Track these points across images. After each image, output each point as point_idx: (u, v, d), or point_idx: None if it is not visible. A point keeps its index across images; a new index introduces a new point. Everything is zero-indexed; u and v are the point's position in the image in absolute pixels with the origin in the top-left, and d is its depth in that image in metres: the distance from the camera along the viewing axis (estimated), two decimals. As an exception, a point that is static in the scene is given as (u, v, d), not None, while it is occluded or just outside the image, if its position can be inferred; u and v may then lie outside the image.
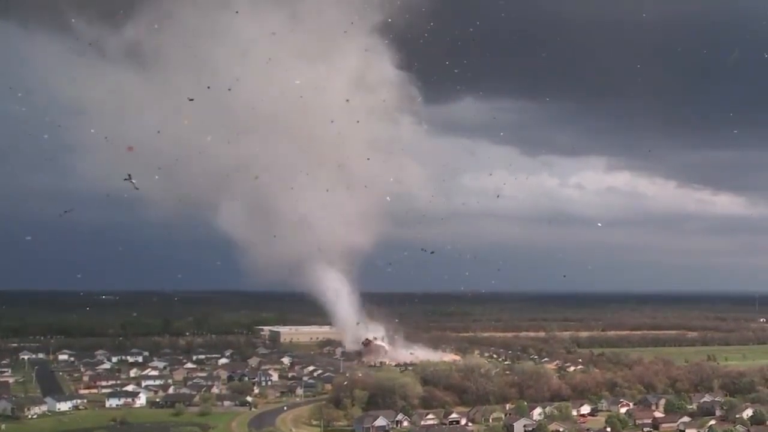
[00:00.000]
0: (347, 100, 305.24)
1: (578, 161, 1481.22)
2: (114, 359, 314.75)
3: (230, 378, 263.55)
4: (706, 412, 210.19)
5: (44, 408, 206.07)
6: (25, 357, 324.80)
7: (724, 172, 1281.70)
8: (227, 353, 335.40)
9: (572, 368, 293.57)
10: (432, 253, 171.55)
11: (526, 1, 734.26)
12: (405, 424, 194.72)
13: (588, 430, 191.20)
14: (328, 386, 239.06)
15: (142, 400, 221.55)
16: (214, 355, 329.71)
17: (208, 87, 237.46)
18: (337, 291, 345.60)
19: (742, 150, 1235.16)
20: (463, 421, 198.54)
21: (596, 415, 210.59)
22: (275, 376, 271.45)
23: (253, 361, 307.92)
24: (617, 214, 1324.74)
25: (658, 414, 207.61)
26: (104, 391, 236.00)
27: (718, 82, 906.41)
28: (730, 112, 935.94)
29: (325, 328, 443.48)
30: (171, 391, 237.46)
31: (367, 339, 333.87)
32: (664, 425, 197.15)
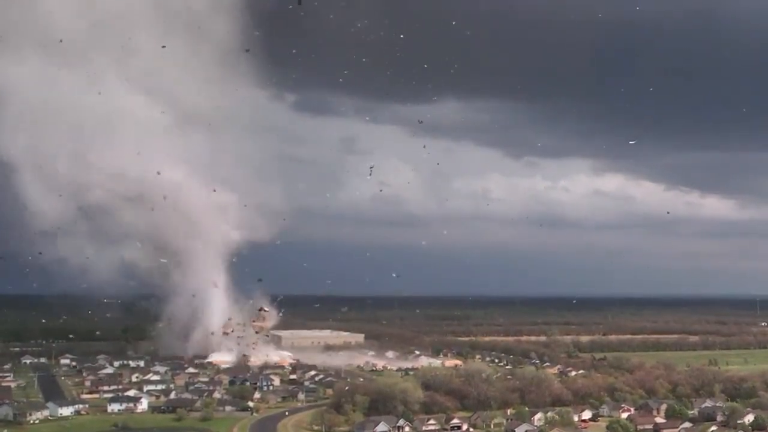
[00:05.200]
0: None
1: (562, 163, 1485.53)
2: (116, 364, 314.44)
3: (232, 383, 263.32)
4: (708, 417, 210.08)
5: (46, 413, 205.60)
6: (27, 361, 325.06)
7: (711, 174, 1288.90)
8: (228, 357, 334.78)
9: (573, 373, 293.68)
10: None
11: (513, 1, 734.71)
12: (406, 429, 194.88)
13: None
14: (330, 391, 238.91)
15: (143, 405, 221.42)
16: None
17: None
18: (206, 291, 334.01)
19: (728, 152, 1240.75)
20: (465, 427, 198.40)
21: (597, 421, 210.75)
22: (277, 381, 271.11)
23: (255, 366, 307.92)
24: (607, 217, 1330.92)
25: (659, 419, 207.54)
26: (106, 396, 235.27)
27: (703, 84, 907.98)
28: (715, 113, 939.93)
29: (326, 332, 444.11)
30: (173, 396, 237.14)
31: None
32: (665, 431, 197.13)
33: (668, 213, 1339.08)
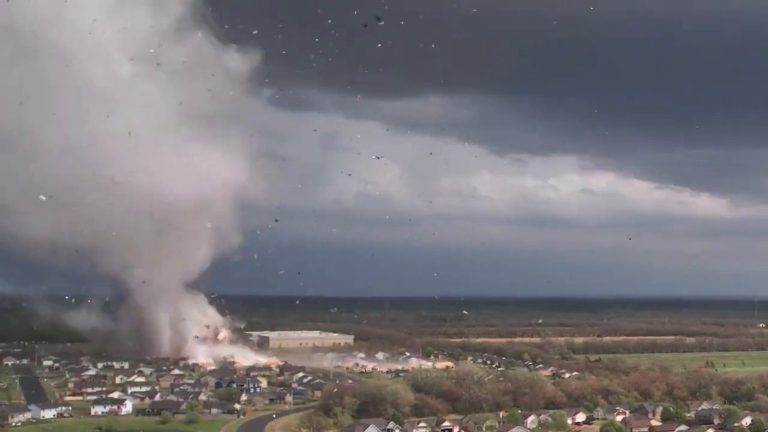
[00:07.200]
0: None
1: (549, 160, 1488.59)
2: (99, 365, 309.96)
3: (218, 385, 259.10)
4: (704, 420, 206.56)
5: (28, 416, 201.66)
6: (9, 362, 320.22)
7: (702, 171, 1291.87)
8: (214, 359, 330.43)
9: (567, 375, 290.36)
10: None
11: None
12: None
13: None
14: (318, 393, 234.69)
15: (128, 407, 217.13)
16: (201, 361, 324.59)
17: None
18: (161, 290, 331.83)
19: (719, 149, 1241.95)
20: (456, 430, 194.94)
21: (592, 424, 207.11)
22: (264, 383, 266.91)
23: (242, 368, 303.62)
24: (598, 217, 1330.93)
25: (655, 422, 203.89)
26: (90, 398, 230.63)
27: (694, 80, 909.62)
28: (706, 110, 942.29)
29: (315, 333, 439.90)
30: (158, 398, 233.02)
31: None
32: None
33: (630, 239, 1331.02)
